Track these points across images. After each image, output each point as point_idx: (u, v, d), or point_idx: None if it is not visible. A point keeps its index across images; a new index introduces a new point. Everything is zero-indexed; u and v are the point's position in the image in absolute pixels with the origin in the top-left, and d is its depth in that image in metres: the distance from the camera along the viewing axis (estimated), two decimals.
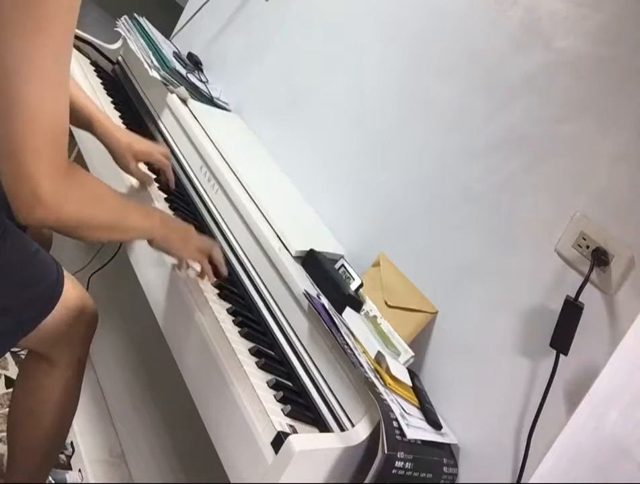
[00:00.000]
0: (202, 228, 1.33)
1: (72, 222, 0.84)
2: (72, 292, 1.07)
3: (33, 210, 0.77)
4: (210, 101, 1.71)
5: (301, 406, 1.01)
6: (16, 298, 0.97)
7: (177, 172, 1.46)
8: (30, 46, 0.70)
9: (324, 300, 1.12)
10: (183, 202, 1.38)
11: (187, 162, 1.45)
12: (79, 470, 1.47)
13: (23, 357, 1.16)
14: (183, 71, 1.70)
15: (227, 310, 1.12)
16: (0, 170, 0.76)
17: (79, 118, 1.20)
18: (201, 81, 1.75)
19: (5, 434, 1.18)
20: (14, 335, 1.00)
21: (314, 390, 1.03)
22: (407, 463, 0.94)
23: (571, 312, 0.99)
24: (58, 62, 0.74)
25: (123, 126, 1.49)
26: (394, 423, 0.94)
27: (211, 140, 1.44)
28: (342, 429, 0.97)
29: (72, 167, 0.82)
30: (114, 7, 2.08)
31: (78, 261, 1.73)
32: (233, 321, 1.10)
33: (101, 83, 1.70)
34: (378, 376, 1.03)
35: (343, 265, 1.30)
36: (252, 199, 1.30)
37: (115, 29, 1.72)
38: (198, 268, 1.14)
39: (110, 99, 1.64)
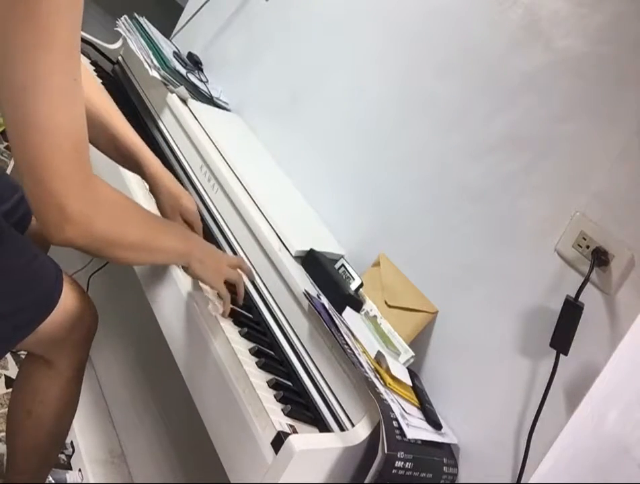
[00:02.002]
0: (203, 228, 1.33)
1: (103, 240, 0.81)
2: (72, 295, 1.05)
3: (62, 230, 0.75)
4: (210, 101, 1.72)
5: (301, 406, 1.01)
6: (12, 302, 0.95)
7: (177, 172, 1.46)
8: (36, 63, 0.68)
9: (324, 300, 1.12)
10: None
11: (187, 162, 1.45)
12: (79, 470, 1.47)
13: (23, 357, 1.16)
14: (183, 71, 1.70)
15: None
16: (25, 191, 0.74)
17: (127, 157, 1.12)
18: (201, 80, 1.75)
19: (5, 434, 1.18)
20: (10, 339, 0.98)
21: (314, 390, 1.03)
22: (407, 463, 0.94)
23: (571, 312, 0.99)
24: (66, 75, 0.71)
25: None
26: (394, 423, 0.94)
27: (211, 140, 1.44)
28: (342, 429, 0.97)
29: (97, 183, 0.79)
30: (114, 7, 2.08)
31: (78, 261, 1.73)
32: (233, 321, 1.10)
33: (101, 83, 1.70)
34: (378, 375, 1.04)
35: (343, 265, 1.30)
36: (252, 199, 1.30)
37: (115, 29, 1.72)
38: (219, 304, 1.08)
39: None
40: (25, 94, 0.69)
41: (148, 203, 1.25)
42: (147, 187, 1.17)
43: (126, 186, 1.29)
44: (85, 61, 1.78)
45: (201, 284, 1.09)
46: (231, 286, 1.10)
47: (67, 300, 1.03)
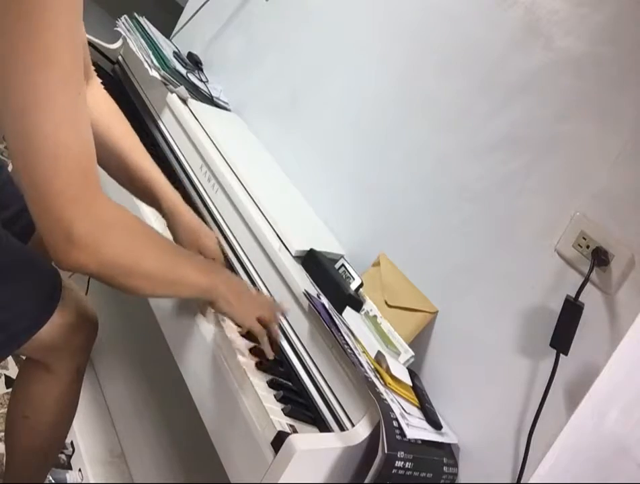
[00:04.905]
0: None
1: (115, 266, 0.77)
2: (71, 300, 1.03)
3: (70, 255, 0.71)
4: (210, 100, 1.72)
5: (301, 406, 1.01)
6: (9, 310, 0.93)
7: (178, 173, 1.46)
8: (36, 83, 0.66)
9: (324, 300, 1.12)
10: None
11: (187, 162, 1.45)
12: (79, 470, 1.47)
13: (23, 357, 1.16)
14: (183, 71, 1.70)
15: None
16: (31, 214, 0.71)
17: (144, 191, 1.06)
18: (201, 80, 1.75)
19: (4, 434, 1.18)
20: (7, 347, 0.97)
21: (314, 390, 1.03)
22: (407, 463, 0.94)
23: (571, 312, 0.99)
24: (68, 93, 0.68)
25: None
26: (395, 423, 0.94)
27: (211, 140, 1.44)
28: (342, 429, 0.97)
29: (108, 204, 0.75)
30: (114, 7, 2.08)
31: None
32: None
33: (101, 83, 1.70)
34: (378, 375, 1.03)
35: (343, 264, 1.30)
36: (252, 199, 1.30)
37: (115, 29, 1.72)
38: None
39: None
40: (26, 116, 0.66)
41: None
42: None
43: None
44: None
45: (228, 333, 1.03)
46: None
47: (66, 307, 1.01)
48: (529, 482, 1.00)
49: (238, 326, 1.05)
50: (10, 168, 1.25)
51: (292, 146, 1.60)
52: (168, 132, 1.53)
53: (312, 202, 1.49)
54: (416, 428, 1.00)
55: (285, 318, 1.12)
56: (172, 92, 1.56)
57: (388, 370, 1.06)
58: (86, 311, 1.08)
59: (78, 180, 0.70)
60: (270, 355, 0.99)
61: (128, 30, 1.71)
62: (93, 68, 1.09)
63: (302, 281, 1.14)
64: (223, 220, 1.31)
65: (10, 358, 1.71)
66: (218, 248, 1.11)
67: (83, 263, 0.73)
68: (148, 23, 1.79)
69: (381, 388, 0.99)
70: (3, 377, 1.65)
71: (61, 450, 1.46)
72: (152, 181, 1.06)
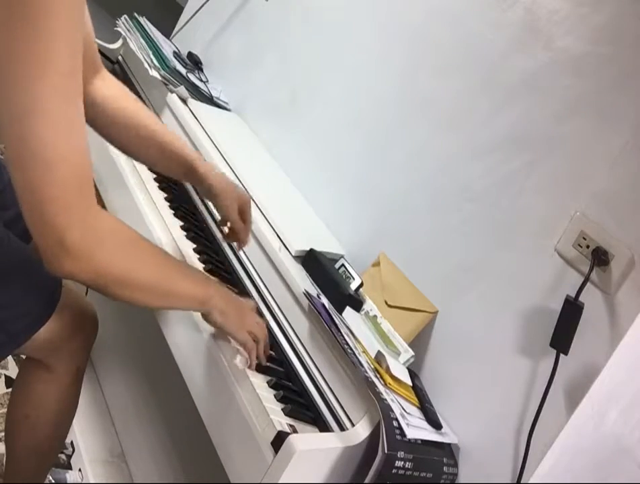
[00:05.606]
0: (202, 227, 1.33)
1: (107, 276, 0.77)
2: (71, 301, 1.03)
3: (62, 263, 0.71)
4: (210, 100, 1.72)
5: (301, 405, 1.01)
6: (9, 310, 0.93)
7: None
8: (34, 89, 0.65)
9: (324, 300, 1.12)
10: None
11: None
12: (79, 470, 1.46)
13: (23, 357, 1.16)
14: (183, 71, 1.70)
15: None
16: (26, 221, 0.71)
17: (183, 169, 1.10)
18: (201, 80, 1.75)
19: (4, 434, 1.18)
20: (7, 347, 0.96)
21: (314, 390, 1.03)
22: (407, 463, 0.94)
23: (571, 312, 0.99)
24: (67, 100, 0.68)
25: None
26: (395, 423, 0.94)
27: (211, 140, 1.44)
28: (342, 428, 0.97)
29: (102, 214, 0.76)
30: (114, 7, 2.08)
31: None
32: None
33: None
34: (378, 375, 1.04)
35: (343, 264, 1.30)
36: (252, 199, 1.30)
37: (115, 29, 1.72)
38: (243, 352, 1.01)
39: None
40: (24, 121, 0.66)
41: (151, 208, 1.25)
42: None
43: (126, 186, 1.29)
44: None
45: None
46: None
47: (66, 306, 1.01)
48: (529, 482, 1.00)
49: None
50: None
51: (292, 146, 1.60)
52: None
53: (312, 202, 1.49)
54: (416, 428, 1.00)
55: (282, 314, 1.13)
56: (172, 92, 1.56)
57: (388, 370, 1.06)
58: (86, 311, 1.08)
59: (72, 188, 0.70)
60: (252, 368, 1.00)
61: (128, 30, 1.71)
62: (100, 58, 1.09)
63: (302, 281, 1.14)
64: None
65: (10, 358, 1.71)
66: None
67: (75, 271, 0.73)
68: (148, 23, 1.79)
69: (381, 388, 0.99)
70: (3, 377, 1.65)
71: (61, 450, 1.46)
72: (192, 159, 1.11)
